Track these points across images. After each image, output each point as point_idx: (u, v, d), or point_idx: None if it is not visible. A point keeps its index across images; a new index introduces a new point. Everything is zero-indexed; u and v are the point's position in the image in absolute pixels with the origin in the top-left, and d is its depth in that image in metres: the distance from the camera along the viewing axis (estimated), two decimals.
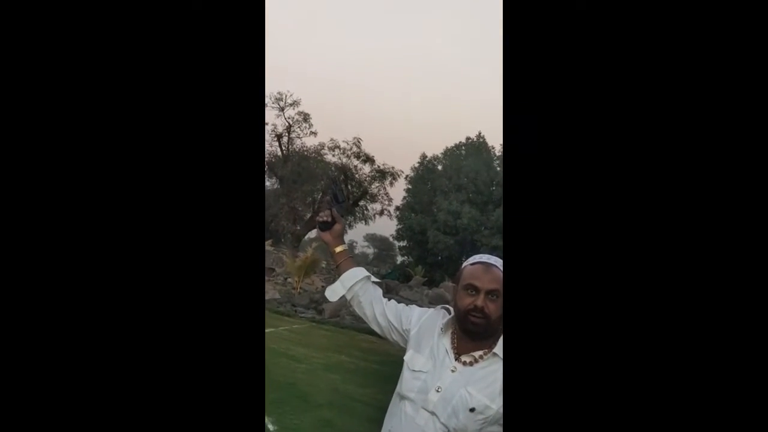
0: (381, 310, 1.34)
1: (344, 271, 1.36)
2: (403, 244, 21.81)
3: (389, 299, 1.38)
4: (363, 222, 20.39)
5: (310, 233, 19.23)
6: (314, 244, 14.91)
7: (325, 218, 1.35)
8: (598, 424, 0.70)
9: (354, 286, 1.35)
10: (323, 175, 18.73)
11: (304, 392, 4.91)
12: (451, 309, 1.29)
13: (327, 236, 1.37)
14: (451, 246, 18.43)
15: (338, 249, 1.37)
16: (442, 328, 1.26)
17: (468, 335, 1.21)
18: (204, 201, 0.75)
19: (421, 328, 1.30)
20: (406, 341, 1.32)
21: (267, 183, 18.82)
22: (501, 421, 1.16)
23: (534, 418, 0.73)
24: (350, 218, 19.83)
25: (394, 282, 14.46)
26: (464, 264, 1.27)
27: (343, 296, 1.39)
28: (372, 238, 29.29)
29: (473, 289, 1.18)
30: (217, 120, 0.76)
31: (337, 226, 1.36)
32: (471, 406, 1.16)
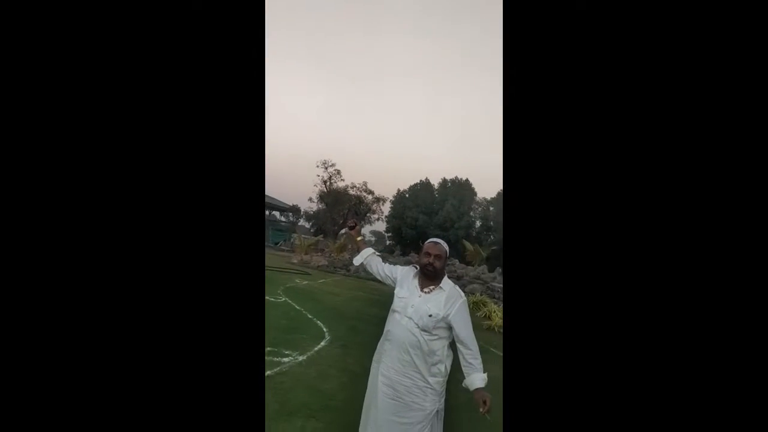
0: (382, 269, 2.36)
1: (362, 250, 2.43)
2: (389, 235, 32.14)
3: (385, 263, 2.35)
4: (369, 224, 32.17)
5: (342, 231, 29.05)
6: (344, 237, 21.30)
7: (351, 224, 2.45)
8: (597, 421, 0.68)
9: (368, 257, 2.40)
10: (348, 201, 30.11)
11: (341, 311, 7.26)
12: (417, 266, 2.22)
13: (352, 232, 2.47)
14: (414, 236, 27.71)
15: (358, 238, 2.45)
16: (413, 275, 2.20)
17: (426, 278, 2.13)
18: (206, 200, 0.74)
19: (402, 276, 2.27)
20: (395, 283, 2.26)
21: (319, 205, 31.23)
22: (444, 321, 2.05)
23: (534, 418, 0.71)
24: (363, 222, 30.70)
25: (385, 254, 19.12)
26: (425, 243, 2.23)
27: (361, 263, 2.42)
28: (374, 233, 42.16)
29: (427, 254, 2.12)
30: (219, 122, 0.75)
31: (357, 227, 2.43)
32: (429, 314, 2.04)
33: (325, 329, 6.13)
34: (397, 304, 2.31)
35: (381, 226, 36.24)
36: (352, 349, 5.00)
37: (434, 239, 2.34)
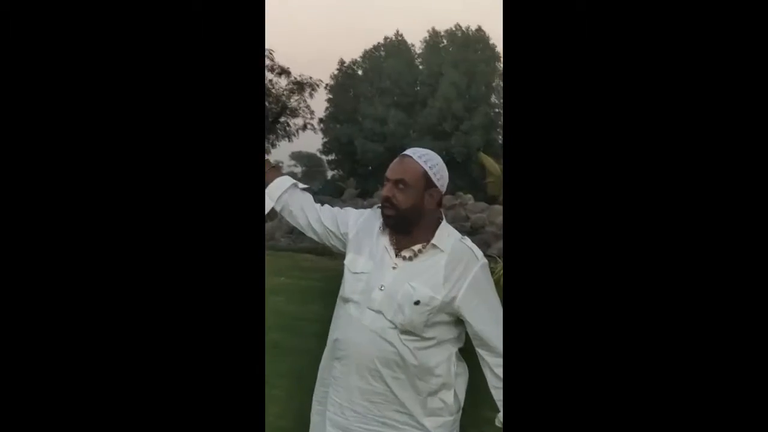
0: (315, 217, 1.38)
1: (269, 182, 1.42)
2: (331, 157, 22.52)
3: (322, 204, 1.43)
4: (286, 139, 20.44)
5: None
6: None
7: None
8: (598, 421, 0.73)
9: (282, 196, 1.40)
10: None
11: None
12: None
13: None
14: (381, 154, 19.24)
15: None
16: (380, 228, 1.31)
17: (404, 230, 1.28)
18: (200, 194, 0.78)
19: (360, 230, 1.35)
20: (345, 245, 1.37)
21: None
22: (447, 309, 1.24)
23: (534, 416, 0.75)
24: (272, 137, 20.10)
25: (327, 198, 14.28)
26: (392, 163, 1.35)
27: (276, 213, 1.44)
28: (298, 156, 29.55)
29: (387, 180, 1.28)
30: (216, 111, 0.79)
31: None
32: (416, 299, 1.22)
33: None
34: (351, 286, 1.31)
35: (311, 141, 25.10)
36: (276, 389, 3.18)
37: (409, 151, 1.31)
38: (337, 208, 1.44)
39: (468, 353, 1.33)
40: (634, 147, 0.74)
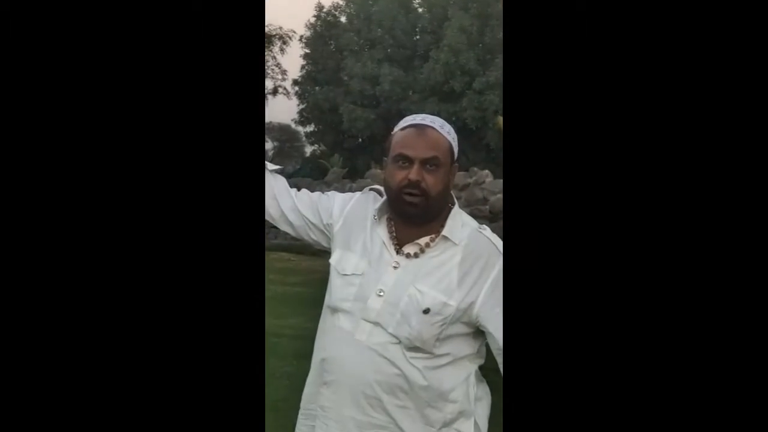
0: (290, 205, 1.29)
1: None
2: (310, 129, 20.32)
3: (299, 189, 1.35)
4: None
5: None
6: None
7: None
8: (598, 421, 0.77)
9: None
10: None
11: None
12: (383, 190, 1.25)
13: None
14: (373, 122, 17.11)
15: None
16: (375, 216, 1.22)
17: (407, 220, 1.18)
18: (200, 193, 0.81)
19: (347, 219, 1.25)
20: (329, 239, 1.27)
21: None
22: (464, 318, 1.14)
23: (534, 415, 0.79)
24: None
25: (306, 180, 13.52)
26: (394, 130, 1.23)
27: None
28: (269, 129, 25.52)
29: (405, 160, 1.14)
30: (215, 110, 0.83)
31: None
32: (424, 307, 1.13)
33: None
34: (341, 293, 1.23)
35: (285, 109, 22.05)
36: None
37: (419, 119, 1.24)
38: (318, 193, 1.35)
39: (489, 371, 1.27)
40: (636, 145, 0.78)
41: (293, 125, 22.40)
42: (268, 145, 28.99)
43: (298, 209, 1.28)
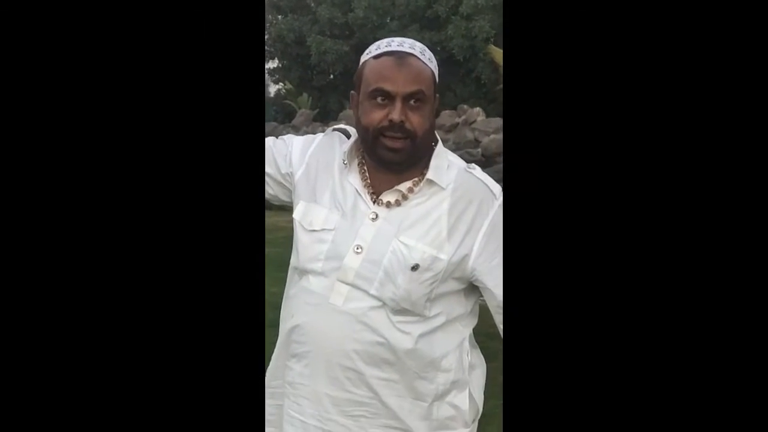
0: None
1: None
2: (274, 65, 19.53)
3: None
4: None
5: None
6: None
7: None
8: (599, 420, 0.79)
9: None
10: None
11: None
12: (351, 130, 1.20)
13: None
14: (346, 55, 16.33)
15: None
16: (344, 161, 1.18)
17: (386, 166, 1.14)
18: (200, 187, 0.84)
19: (310, 166, 1.21)
20: (290, 191, 1.24)
21: None
22: (457, 273, 1.11)
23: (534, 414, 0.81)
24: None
25: (271, 125, 13.47)
26: (364, 58, 1.15)
27: None
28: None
29: (384, 96, 1.09)
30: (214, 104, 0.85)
31: None
32: (412, 263, 1.09)
33: None
34: (309, 251, 1.17)
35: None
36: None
37: (396, 43, 1.15)
38: (272, 139, 1.27)
39: (480, 336, 1.24)
40: (638, 144, 0.81)
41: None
42: None
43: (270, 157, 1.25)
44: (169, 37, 0.83)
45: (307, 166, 1.21)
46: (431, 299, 1.12)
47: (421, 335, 1.12)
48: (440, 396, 1.15)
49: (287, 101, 16.89)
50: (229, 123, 0.85)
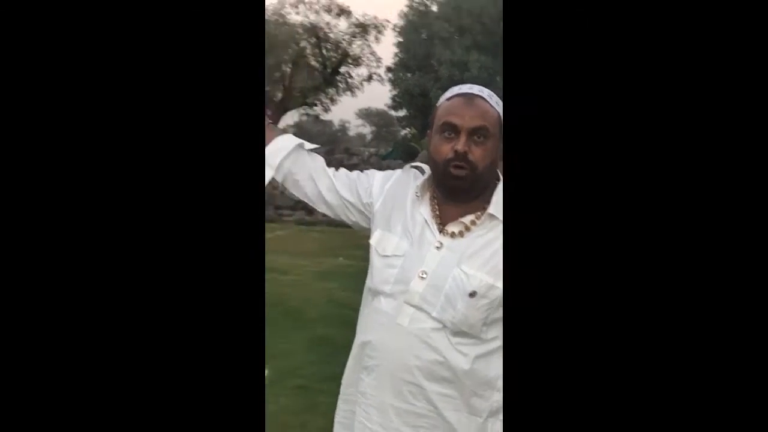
0: (328, 184, 1.29)
1: (268, 143, 1.29)
2: (402, 113, 22.31)
3: (337, 169, 1.33)
4: (349, 93, 21.71)
5: (286, 116, 21.27)
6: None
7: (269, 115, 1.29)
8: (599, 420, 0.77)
9: (283, 162, 1.29)
10: (290, 41, 19.95)
11: (293, 309, 5.16)
12: (425, 167, 1.24)
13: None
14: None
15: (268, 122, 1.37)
16: (417, 194, 1.22)
17: (452, 196, 1.18)
18: (200, 187, 0.83)
19: (388, 198, 1.26)
20: (369, 220, 1.28)
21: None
22: None
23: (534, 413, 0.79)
24: (331, 91, 21.51)
25: (398, 162, 14.78)
26: (439, 101, 1.21)
27: (278, 184, 1.32)
28: (366, 114, 29.64)
29: (451, 130, 1.14)
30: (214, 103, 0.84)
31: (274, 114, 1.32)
32: (471, 290, 1.11)
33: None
34: (382, 275, 1.22)
35: (379, 95, 26.00)
36: (323, 395, 3.11)
37: (466, 88, 1.21)
38: (357, 172, 1.32)
39: None
40: (638, 146, 0.80)
41: (387, 110, 24.51)
42: (367, 129, 31.58)
43: (336, 189, 1.28)
44: (169, 38, 0.82)
45: (385, 198, 1.26)
46: (487, 323, 1.13)
47: (478, 356, 1.14)
48: (494, 413, 1.17)
49: (412, 143, 18.80)
50: (229, 124, 0.85)
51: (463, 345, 1.13)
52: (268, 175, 1.28)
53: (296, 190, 1.32)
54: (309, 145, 1.33)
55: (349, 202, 1.29)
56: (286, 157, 1.29)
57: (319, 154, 1.33)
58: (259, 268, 0.86)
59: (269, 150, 1.29)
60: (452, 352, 1.13)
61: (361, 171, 1.34)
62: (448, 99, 1.20)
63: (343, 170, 1.34)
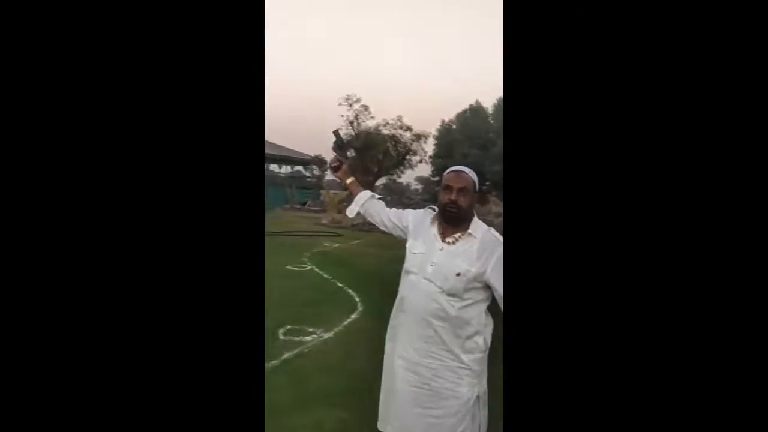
0: (386, 216, 2.19)
1: (356, 195, 2.26)
2: (436, 179, 32.25)
3: (390, 208, 2.20)
4: (410, 169, 32.68)
5: (379, 180, 30.93)
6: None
7: (334, 163, 2.28)
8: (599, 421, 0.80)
9: (365, 203, 2.23)
10: (381, 143, 30.04)
11: (378, 276, 7.63)
12: (436, 207, 2.01)
13: (338, 174, 2.31)
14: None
15: (348, 180, 2.30)
16: (431, 221, 2.01)
17: (449, 223, 1.94)
18: (206, 192, 0.86)
19: (415, 223, 2.10)
20: (405, 234, 2.11)
21: (348, 153, 31.43)
22: (479, 278, 1.86)
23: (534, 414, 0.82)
24: (400, 168, 32.22)
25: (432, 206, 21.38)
26: (444, 174, 2.01)
27: (358, 212, 2.28)
28: (420, 179, 42.50)
29: (449, 189, 1.91)
30: (219, 114, 0.86)
31: (344, 166, 2.29)
32: (457, 272, 1.85)
33: (357, 299, 6.43)
34: (411, 262, 2.07)
35: (425, 170, 37.62)
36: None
37: (456, 168, 2.07)
38: (400, 210, 2.22)
39: (492, 311, 1.95)
40: (639, 148, 0.79)
41: (430, 177, 34.93)
42: (419, 186, 43.18)
43: (391, 218, 2.15)
44: (170, 38, 0.83)
45: (415, 223, 2.07)
46: (466, 289, 1.88)
47: (461, 307, 1.90)
48: (469, 337, 1.92)
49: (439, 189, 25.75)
50: (230, 125, 0.87)
51: (452, 301, 1.87)
52: (355, 211, 2.26)
53: (370, 219, 2.23)
54: (377, 196, 2.21)
55: (396, 225, 2.13)
56: (366, 202, 2.23)
57: (382, 199, 2.16)
58: (258, 268, 0.88)
59: (357, 198, 2.25)
60: (446, 305, 1.87)
61: (404, 209, 2.17)
62: (448, 172, 1.98)
63: (393, 208, 2.17)
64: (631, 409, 0.79)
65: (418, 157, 32.57)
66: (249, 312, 0.89)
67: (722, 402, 0.76)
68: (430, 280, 1.97)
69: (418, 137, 31.97)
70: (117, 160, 0.83)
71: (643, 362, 0.79)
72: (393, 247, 9.48)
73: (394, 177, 33.79)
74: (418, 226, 2.13)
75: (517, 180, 0.90)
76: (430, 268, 1.98)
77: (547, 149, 0.86)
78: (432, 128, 36.28)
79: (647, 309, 0.79)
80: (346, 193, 2.37)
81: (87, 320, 0.81)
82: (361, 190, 2.31)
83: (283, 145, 35.29)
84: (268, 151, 34.24)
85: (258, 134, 0.92)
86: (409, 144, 32.08)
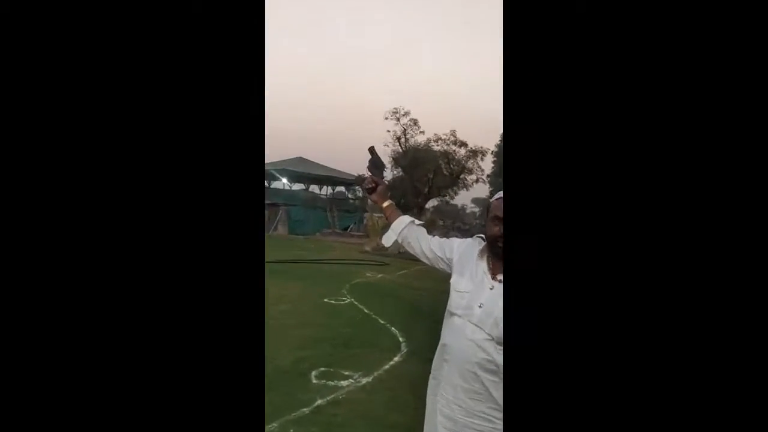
0: (427, 245, 1.94)
1: (393, 221, 2.02)
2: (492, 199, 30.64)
3: (433, 236, 1.96)
4: (465, 189, 30.05)
5: (430, 202, 28.84)
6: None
7: (369, 185, 2.03)
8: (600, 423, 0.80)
9: (403, 230, 1.98)
10: (432, 161, 27.43)
11: (425, 312, 7.59)
12: (484, 237, 1.77)
13: (374, 197, 2.07)
14: None
15: (385, 204, 2.05)
16: (479, 254, 1.76)
17: (500, 258, 1.69)
18: (206, 198, 0.87)
19: (461, 255, 1.84)
20: (450, 268, 1.86)
21: (394, 171, 27.93)
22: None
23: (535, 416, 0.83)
24: (454, 188, 29.80)
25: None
26: (491, 200, 1.76)
27: (395, 241, 2.01)
28: (477, 200, 42.00)
29: (498, 220, 1.66)
30: (219, 119, 0.87)
31: (380, 188, 2.04)
32: None
33: (401, 339, 6.12)
34: (456, 302, 1.78)
35: (483, 190, 34.58)
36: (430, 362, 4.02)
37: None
38: (444, 239, 1.97)
39: None
40: (638, 149, 0.80)
41: (488, 199, 31.42)
42: (477, 208, 42.96)
43: (432, 248, 1.90)
44: (170, 39, 0.84)
45: (460, 255, 1.83)
46: None
47: None
48: None
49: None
50: (230, 126, 0.87)
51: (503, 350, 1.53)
52: (393, 238, 2.01)
53: (409, 248, 1.98)
54: (417, 222, 1.97)
55: (439, 257, 1.89)
56: (404, 228, 1.98)
57: (424, 226, 1.91)
58: (258, 270, 0.89)
59: (395, 224, 2.01)
60: (496, 354, 1.61)
61: (464, 237, 1.91)
62: (496, 199, 1.74)
63: (436, 237, 1.94)
64: (631, 413, 0.81)
65: (474, 176, 30.34)
66: (249, 312, 0.92)
67: (722, 402, 0.78)
68: (478, 325, 1.70)
69: (474, 154, 29.77)
70: (118, 163, 0.85)
71: (644, 364, 0.81)
72: (445, 280, 8.34)
73: (447, 198, 31.32)
74: (464, 258, 1.85)
75: (517, 180, 0.92)
76: (477, 311, 1.71)
77: (548, 149, 0.88)
78: (491, 144, 33.99)
79: (648, 315, 0.81)
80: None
81: (86, 329, 0.84)
82: (399, 215, 2.03)
83: (323, 164, 34.06)
84: (307, 170, 33.82)
85: (258, 135, 0.94)
86: (463, 161, 30.00)
